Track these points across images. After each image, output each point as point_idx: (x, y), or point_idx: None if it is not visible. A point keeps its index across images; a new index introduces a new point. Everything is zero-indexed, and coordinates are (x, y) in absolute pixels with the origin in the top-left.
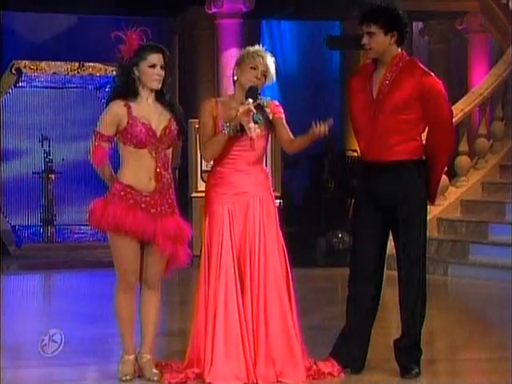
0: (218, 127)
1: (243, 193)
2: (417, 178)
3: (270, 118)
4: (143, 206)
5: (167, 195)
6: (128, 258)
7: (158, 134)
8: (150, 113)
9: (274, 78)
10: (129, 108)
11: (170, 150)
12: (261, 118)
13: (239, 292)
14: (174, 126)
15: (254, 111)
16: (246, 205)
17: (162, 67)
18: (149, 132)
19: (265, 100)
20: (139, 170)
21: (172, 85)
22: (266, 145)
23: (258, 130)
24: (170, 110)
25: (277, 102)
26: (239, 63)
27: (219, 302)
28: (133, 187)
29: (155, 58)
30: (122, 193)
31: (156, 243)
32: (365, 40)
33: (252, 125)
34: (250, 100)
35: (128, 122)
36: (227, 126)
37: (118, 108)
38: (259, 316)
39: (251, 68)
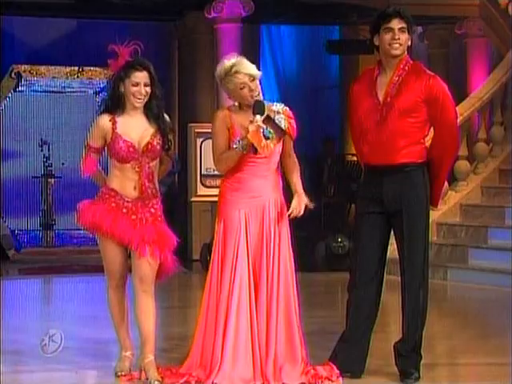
0: (234, 137)
1: (259, 196)
2: (421, 180)
3: (285, 126)
4: (124, 210)
5: (150, 204)
6: (111, 260)
7: (141, 149)
8: (134, 128)
9: (260, 73)
10: (114, 123)
11: (156, 162)
12: (271, 131)
13: (252, 296)
14: (156, 141)
15: (264, 127)
16: (262, 207)
17: (146, 84)
18: (129, 149)
19: (279, 107)
20: (124, 180)
21: (171, 90)
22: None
23: (271, 146)
24: (155, 123)
25: (290, 113)
26: (228, 92)
27: (232, 306)
28: (117, 191)
29: (139, 77)
30: (107, 196)
31: (133, 248)
32: (398, 35)
33: (264, 142)
34: (258, 116)
35: (111, 138)
36: (239, 144)
37: (103, 122)
38: (271, 318)
39: (241, 89)
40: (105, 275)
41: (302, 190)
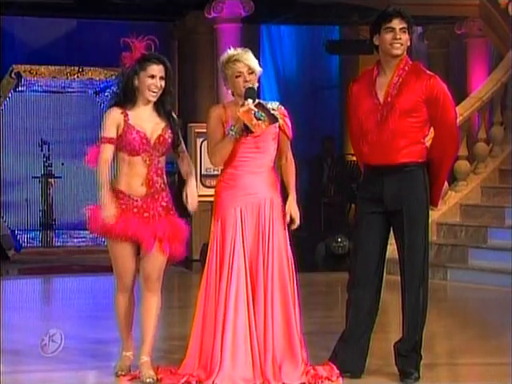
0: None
1: (255, 193)
2: (421, 180)
3: (277, 115)
4: (135, 210)
5: (160, 198)
6: (122, 261)
7: (152, 141)
8: (146, 121)
9: (260, 68)
10: (126, 115)
11: (164, 157)
12: (263, 114)
13: (250, 296)
14: (168, 134)
15: (255, 110)
16: (258, 205)
17: (161, 78)
18: (142, 140)
19: (273, 104)
20: (132, 177)
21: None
22: (277, 148)
23: (263, 126)
24: (166, 119)
25: (285, 111)
26: (225, 79)
27: (229, 306)
28: (124, 192)
29: (155, 70)
30: (115, 198)
31: (143, 244)
32: (399, 35)
33: (255, 121)
34: (250, 100)
35: (124, 129)
36: (232, 130)
37: (115, 114)
38: (268, 318)
39: (237, 77)
40: (114, 277)
41: (295, 195)
